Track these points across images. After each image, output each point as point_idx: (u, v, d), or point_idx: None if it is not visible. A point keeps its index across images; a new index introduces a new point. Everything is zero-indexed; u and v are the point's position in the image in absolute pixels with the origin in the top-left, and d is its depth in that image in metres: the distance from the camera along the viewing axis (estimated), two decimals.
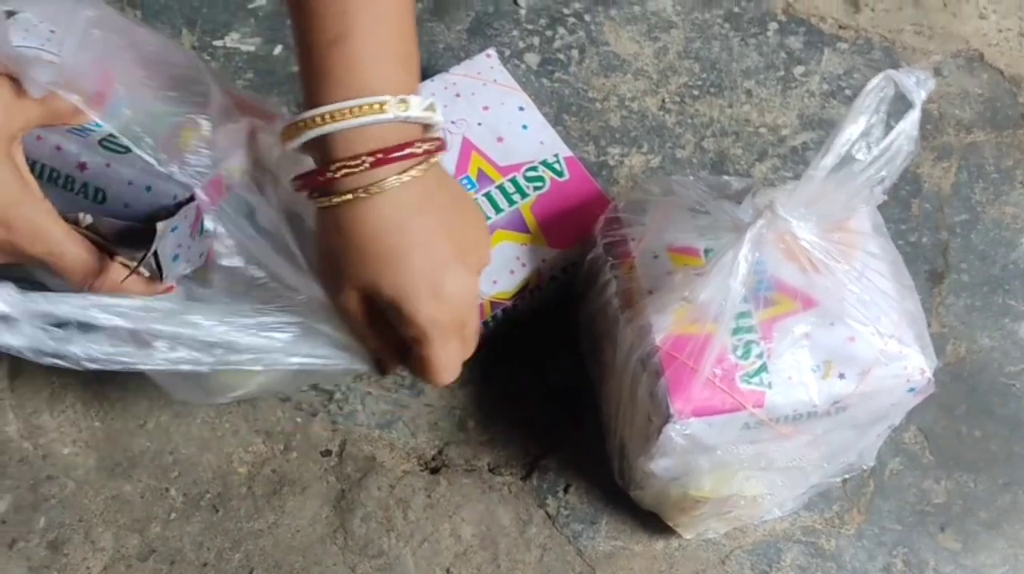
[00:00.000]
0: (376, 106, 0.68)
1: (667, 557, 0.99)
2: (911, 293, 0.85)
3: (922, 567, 0.99)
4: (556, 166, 1.03)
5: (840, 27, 1.24)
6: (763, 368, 0.82)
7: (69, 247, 0.73)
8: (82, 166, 0.79)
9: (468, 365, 0.87)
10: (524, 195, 1.01)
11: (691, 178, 0.93)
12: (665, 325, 0.83)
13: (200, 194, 0.77)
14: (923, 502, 1.01)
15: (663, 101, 1.20)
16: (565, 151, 1.04)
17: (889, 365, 0.82)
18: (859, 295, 0.81)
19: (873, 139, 0.75)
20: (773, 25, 1.24)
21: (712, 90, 1.21)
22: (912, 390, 0.83)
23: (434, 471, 1.03)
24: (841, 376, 0.82)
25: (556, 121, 1.12)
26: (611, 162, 1.16)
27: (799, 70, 1.22)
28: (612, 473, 0.99)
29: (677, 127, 1.19)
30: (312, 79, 0.70)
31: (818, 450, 0.87)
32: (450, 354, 0.79)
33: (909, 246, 1.11)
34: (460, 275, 0.75)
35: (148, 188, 0.78)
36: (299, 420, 1.04)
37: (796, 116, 1.19)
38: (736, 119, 1.19)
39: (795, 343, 0.82)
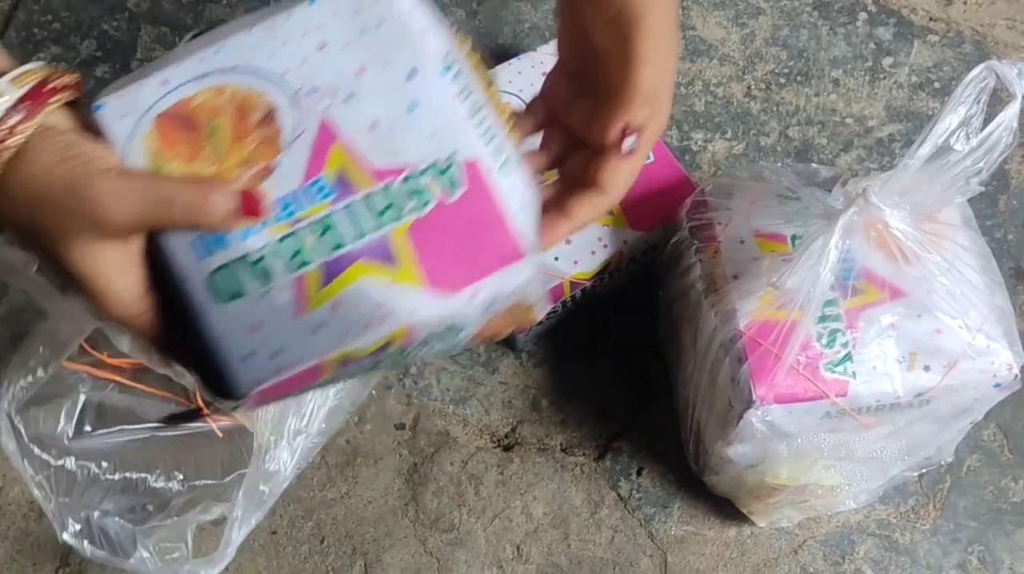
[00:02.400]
0: None
1: (739, 544, 0.99)
2: (1000, 288, 0.84)
3: (997, 565, 0.98)
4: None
5: (931, 19, 1.23)
6: (848, 357, 0.81)
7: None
8: None
9: (540, 345, 0.86)
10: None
11: (779, 165, 0.92)
12: (750, 310, 0.83)
13: None
14: (1000, 500, 1.00)
15: (749, 88, 1.19)
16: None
17: (976, 359, 0.81)
18: (948, 287, 0.80)
19: (972, 130, 0.75)
20: (863, 15, 1.22)
21: (799, 78, 1.19)
22: (998, 386, 0.82)
23: (507, 449, 1.03)
24: (926, 368, 0.81)
25: None
26: (694, 147, 1.16)
27: (888, 61, 1.20)
28: (686, 458, 0.99)
29: (762, 114, 1.18)
30: None
31: (898, 442, 0.86)
32: None
33: (995, 242, 1.10)
34: None
35: None
36: (374, 393, 1.05)
37: (883, 107, 1.18)
38: (822, 108, 1.18)
39: (881, 333, 0.82)
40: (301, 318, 0.66)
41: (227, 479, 1.00)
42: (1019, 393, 0.85)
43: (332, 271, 0.66)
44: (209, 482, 1.00)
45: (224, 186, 0.65)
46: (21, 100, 0.62)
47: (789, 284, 0.79)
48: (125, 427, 1.00)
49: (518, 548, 0.99)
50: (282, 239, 0.67)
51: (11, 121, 0.61)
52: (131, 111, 0.67)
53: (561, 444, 1.03)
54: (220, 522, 0.97)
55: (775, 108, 1.18)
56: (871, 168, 1.15)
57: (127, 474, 0.99)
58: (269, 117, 0.68)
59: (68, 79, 0.65)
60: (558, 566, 0.98)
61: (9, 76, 0.62)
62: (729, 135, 1.17)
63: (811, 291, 0.79)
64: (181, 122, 0.67)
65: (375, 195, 0.67)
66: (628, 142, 0.68)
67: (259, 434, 0.91)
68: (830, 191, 0.84)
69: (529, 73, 1.06)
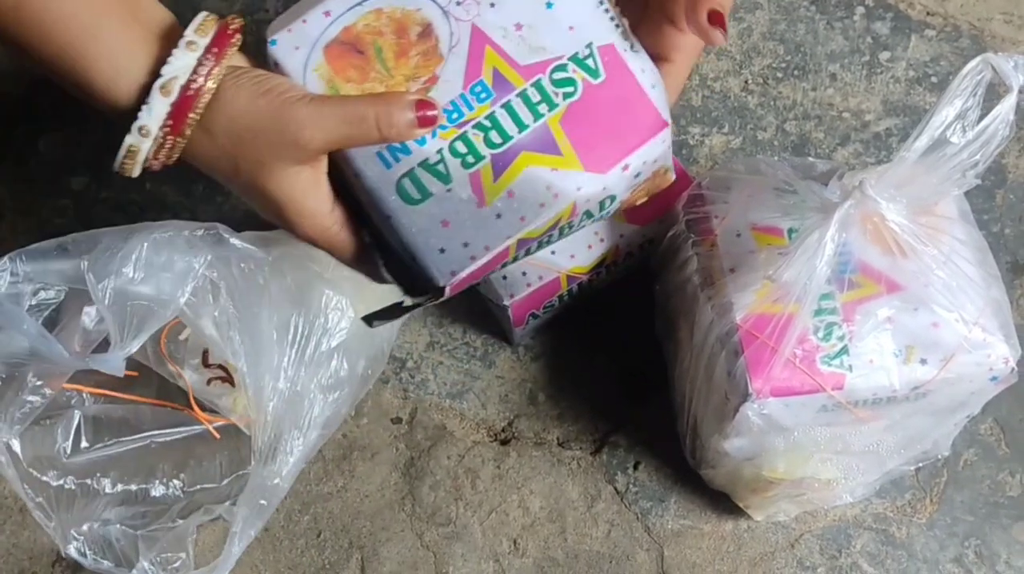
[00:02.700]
0: None
1: (736, 538, 0.99)
2: (997, 281, 0.84)
3: (994, 559, 0.98)
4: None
5: (928, 14, 1.22)
6: (844, 350, 0.81)
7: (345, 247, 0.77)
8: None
9: (536, 339, 0.87)
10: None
11: (776, 159, 0.92)
12: (746, 304, 0.83)
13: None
14: (997, 494, 1.00)
15: (746, 82, 1.19)
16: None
17: (972, 352, 0.81)
18: (945, 281, 0.80)
19: (968, 122, 0.75)
20: (860, 9, 1.22)
21: (796, 73, 1.19)
22: (995, 378, 0.82)
23: (504, 443, 1.03)
24: (923, 361, 0.81)
25: None
26: (691, 141, 1.16)
27: (885, 56, 1.20)
28: (682, 452, 0.99)
29: (759, 108, 1.18)
30: None
31: (895, 436, 0.86)
32: None
33: (992, 236, 1.10)
34: None
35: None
36: (371, 387, 1.05)
37: (880, 102, 1.18)
38: (819, 103, 1.18)
39: (878, 326, 0.82)
40: (483, 209, 0.74)
41: (225, 482, 1.00)
42: (1017, 387, 0.85)
43: (501, 164, 0.75)
44: (208, 486, 1.00)
45: (402, 99, 0.72)
46: (209, 48, 0.68)
47: (785, 277, 0.79)
48: (122, 438, 1.00)
49: (515, 542, 0.99)
50: (454, 141, 0.74)
51: (205, 68, 0.67)
52: (302, 43, 0.74)
53: (558, 438, 1.03)
54: (218, 520, 0.98)
55: (772, 102, 1.18)
56: (868, 162, 1.15)
57: (127, 486, 0.99)
58: (426, 31, 0.75)
59: (238, 22, 0.71)
60: (555, 560, 0.98)
61: (192, 27, 0.68)
62: (726, 129, 1.17)
63: (807, 284, 0.79)
64: (348, 48, 0.75)
65: (529, 90, 0.75)
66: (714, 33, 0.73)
67: (256, 438, 0.91)
68: (826, 185, 0.84)
69: None
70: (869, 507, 1.00)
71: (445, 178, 0.74)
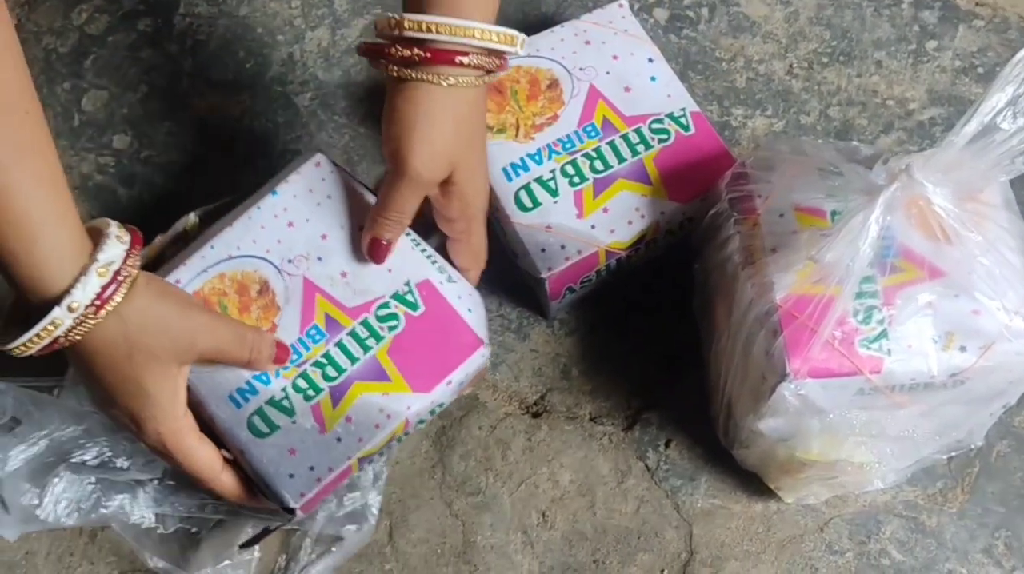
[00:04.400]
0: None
1: (765, 519, 0.99)
2: None
3: None
4: (682, 120, 1.02)
5: (977, 4, 1.22)
6: (883, 334, 0.81)
7: (201, 457, 0.84)
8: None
9: (572, 314, 0.89)
10: (648, 147, 1.00)
11: (821, 141, 0.92)
12: (787, 284, 0.83)
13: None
14: None
15: (791, 66, 1.19)
16: (692, 106, 1.03)
17: (1012, 341, 0.81)
18: (988, 268, 0.80)
19: (1019, 109, 0.74)
20: None
21: (841, 58, 1.19)
22: None
23: (535, 415, 1.03)
24: (962, 349, 0.81)
25: (681, 78, 1.10)
26: (734, 123, 1.16)
27: (931, 44, 1.20)
28: (714, 431, 0.99)
29: (803, 93, 1.17)
30: None
31: (931, 422, 0.86)
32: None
33: None
34: None
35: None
36: None
37: (925, 91, 1.17)
38: (864, 89, 1.17)
39: (918, 312, 0.81)
40: (325, 435, 0.85)
41: None
42: None
43: (338, 394, 0.86)
44: None
45: (270, 335, 0.86)
46: (132, 244, 0.77)
47: (828, 258, 0.79)
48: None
49: (543, 514, 0.99)
50: (295, 378, 0.87)
51: (132, 260, 0.76)
52: None
53: (590, 413, 1.03)
54: None
55: (816, 87, 1.18)
56: (911, 151, 1.14)
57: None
58: (264, 288, 0.89)
59: (136, 239, 0.78)
60: (583, 534, 0.99)
61: (114, 226, 0.76)
62: (769, 112, 1.16)
63: (850, 266, 0.78)
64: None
65: (357, 328, 0.89)
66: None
67: None
68: (871, 168, 0.84)
69: (572, 41, 1.06)
70: (900, 494, 1.00)
71: (290, 411, 0.86)
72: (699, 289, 1.00)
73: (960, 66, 1.18)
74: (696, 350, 1.02)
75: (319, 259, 0.90)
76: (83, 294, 0.72)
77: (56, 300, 0.72)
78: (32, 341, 0.73)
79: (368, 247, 0.89)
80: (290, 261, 0.90)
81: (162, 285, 0.81)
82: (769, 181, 0.89)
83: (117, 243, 0.75)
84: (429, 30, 0.80)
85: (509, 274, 1.03)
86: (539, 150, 1.01)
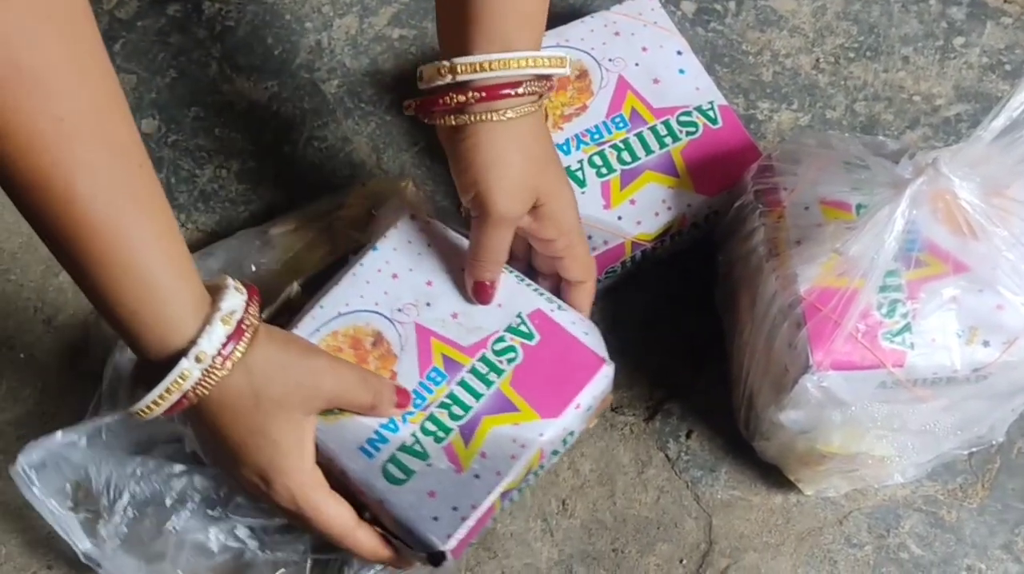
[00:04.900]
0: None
1: (784, 511, 0.99)
2: None
3: None
4: (710, 113, 1.02)
5: (1005, 1, 1.22)
6: (907, 328, 0.81)
7: (334, 512, 0.84)
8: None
9: (597, 305, 0.90)
10: (676, 139, 1.01)
11: (847, 135, 0.92)
12: (811, 276, 0.83)
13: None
14: None
15: (817, 60, 1.19)
16: (720, 99, 1.03)
17: None
18: (1013, 263, 0.80)
19: None
20: None
21: (868, 54, 1.19)
22: None
23: None
24: (986, 343, 0.81)
25: (708, 71, 1.10)
26: (760, 116, 1.16)
27: (959, 41, 1.19)
28: (735, 423, 0.99)
29: (829, 87, 1.17)
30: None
31: (952, 417, 0.86)
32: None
33: None
34: None
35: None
36: None
37: (952, 87, 1.17)
38: (890, 85, 1.17)
39: (942, 306, 0.82)
40: (462, 474, 0.85)
41: None
42: None
43: (468, 432, 0.86)
44: None
45: (391, 382, 0.87)
46: (250, 294, 0.77)
47: (853, 251, 0.79)
48: None
49: (563, 502, 1.00)
50: (423, 422, 0.86)
51: (252, 308, 0.76)
52: None
53: (612, 403, 1.04)
54: None
55: (843, 82, 1.18)
56: (936, 146, 1.13)
57: None
58: (378, 339, 0.90)
59: (253, 291, 0.78)
60: (602, 522, 0.99)
61: (229, 279, 0.76)
62: (795, 106, 1.16)
63: (875, 259, 0.79)
64: None
65: (476, 365, 0.89)
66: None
67: None
68: (897, 163, 0.84)
69: (601, 32, 1.06)
70: (920, 489, 1.00)
71: (423, 455, 0.85)
72: (722, 281, 1.00)
73: (987, 63, 1.18)
74: (718, 342, 1.02)
75: (428, 305, 0.91)
76: (209, 344, 0.72)
77: (182, 352, 0.71)
78: (162, 397, 0.72)
79: (473, 291, 0.90)
80: (400, 310, 0.91)
81: (284, 334, 0.81)
82: (795, 174, 0.89)
83: (236, 294, 0.75)
84: (483, 69, 0.80)
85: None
86: (567, 140, 1.01)
